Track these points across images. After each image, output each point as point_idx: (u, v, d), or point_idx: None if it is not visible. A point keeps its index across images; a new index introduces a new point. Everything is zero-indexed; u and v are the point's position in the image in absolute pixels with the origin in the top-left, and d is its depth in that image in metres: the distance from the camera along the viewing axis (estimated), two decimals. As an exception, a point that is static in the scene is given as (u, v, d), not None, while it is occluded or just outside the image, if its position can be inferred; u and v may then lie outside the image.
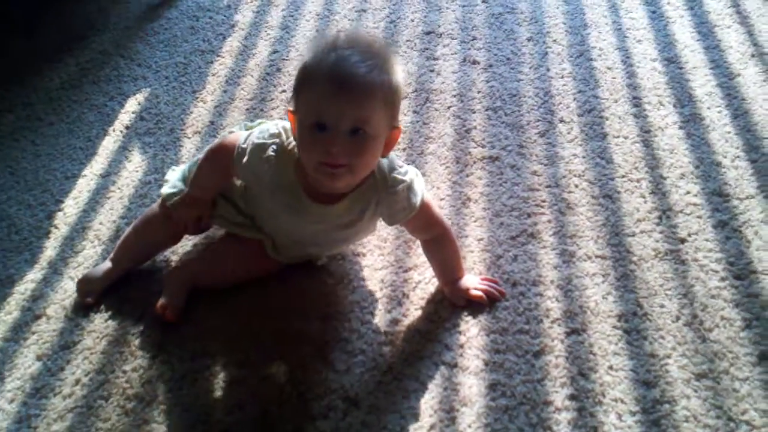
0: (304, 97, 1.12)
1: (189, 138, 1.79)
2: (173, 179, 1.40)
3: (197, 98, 1.94)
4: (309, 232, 1.30)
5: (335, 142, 1.08)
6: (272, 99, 1.91)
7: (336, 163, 1.10)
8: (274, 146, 1.22)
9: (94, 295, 1.38)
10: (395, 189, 1.21)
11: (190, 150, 1.74)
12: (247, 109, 1.87)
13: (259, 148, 1.22)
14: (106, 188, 1.66)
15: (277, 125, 1.25)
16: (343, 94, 1.07)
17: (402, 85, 1.15)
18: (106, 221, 1.57)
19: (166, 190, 1.38)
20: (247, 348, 1.28)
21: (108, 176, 1.70)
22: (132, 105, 1.94)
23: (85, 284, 1.39)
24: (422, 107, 1.82)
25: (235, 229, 1.38)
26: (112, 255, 1.42)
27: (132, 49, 2.16)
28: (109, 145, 1.80)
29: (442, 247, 1.32)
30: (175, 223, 1.37)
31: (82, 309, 1.38)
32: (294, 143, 1.20)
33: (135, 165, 1.72)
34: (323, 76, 1.08)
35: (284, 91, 1.93)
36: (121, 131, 1.84)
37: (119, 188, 1.66)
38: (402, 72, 1.15)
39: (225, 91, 1.96)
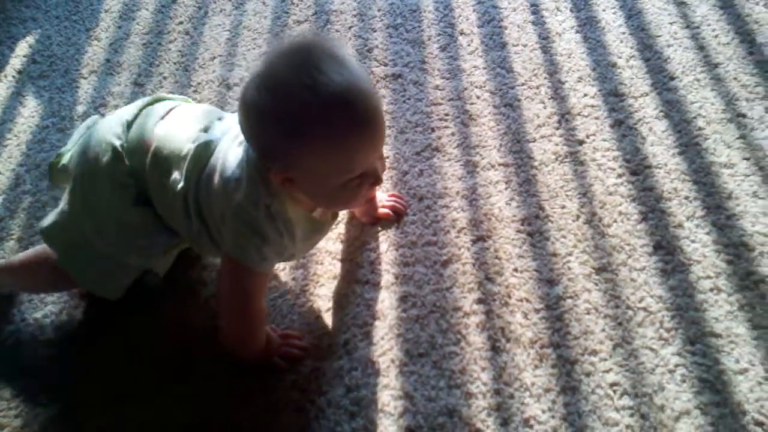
0: (316, 153, 0.93)
1: (85, 78, 1.74)
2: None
3: (91, 36, 1.87)
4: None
5: (380, 179, 1.02)
6: (169, 32, 1.85)
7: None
8: (264, 190, 1.01)
9: None
10: None
11: (88, 91, 1.69)
12: (144, 44, 1.82)
13: (252, 204, 1.01)
14: (3, 136, 1.61)
15: (216, 162, 1.06)
16: (372, 132, 0.95)
17: None
18: (5, 170, 1.52)
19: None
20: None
21: (3, 124, 1.64)
22: (23, 48, 1.86)
23: None
24: (323, 29, 1.80)
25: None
26: None
27: (18, -11, 2.07)
28: (1, 91, 1.74)
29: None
30: None
31: None
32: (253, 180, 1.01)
33: (31, 110, 1.67)
34: (339, 114, 0.90)
35: (181, 22, 1.87)
36: (13, 77, 1.78)
37: (16, 135, 1.61)
38: None
39: (120, 27, 1.89)
